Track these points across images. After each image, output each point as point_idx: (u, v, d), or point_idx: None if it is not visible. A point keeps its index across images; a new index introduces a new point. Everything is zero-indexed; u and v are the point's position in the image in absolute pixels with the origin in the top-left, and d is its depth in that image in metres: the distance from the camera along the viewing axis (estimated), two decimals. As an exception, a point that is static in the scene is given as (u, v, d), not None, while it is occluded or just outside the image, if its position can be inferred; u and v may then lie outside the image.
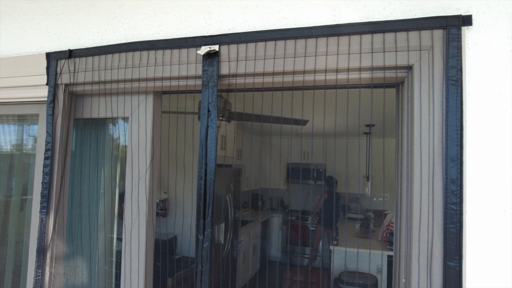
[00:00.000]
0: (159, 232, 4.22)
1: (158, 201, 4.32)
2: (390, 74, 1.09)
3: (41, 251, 1.42)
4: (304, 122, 3.41)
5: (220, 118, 3.32)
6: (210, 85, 1.22)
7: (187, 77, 1.27)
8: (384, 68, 1.08)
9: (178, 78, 1.28)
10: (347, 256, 4.94)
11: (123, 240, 1.41)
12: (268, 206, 7.47)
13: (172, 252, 4.17)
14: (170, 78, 1.30)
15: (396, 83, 1.16)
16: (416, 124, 1.04)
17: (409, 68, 1.06)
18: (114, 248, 1.59)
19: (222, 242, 4.53)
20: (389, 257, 4.68)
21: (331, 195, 5.68)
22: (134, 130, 1.41)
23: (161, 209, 4.37)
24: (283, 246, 6.88)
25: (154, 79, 1.31)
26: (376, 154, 6.24)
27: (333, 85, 1.18)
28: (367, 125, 5.54)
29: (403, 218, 1.09)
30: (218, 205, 4.11)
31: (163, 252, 3.91)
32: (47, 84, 1.49)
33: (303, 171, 7.36)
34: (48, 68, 1.50)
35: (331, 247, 4.97)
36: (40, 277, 1.40)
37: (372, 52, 1.07)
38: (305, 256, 6.72)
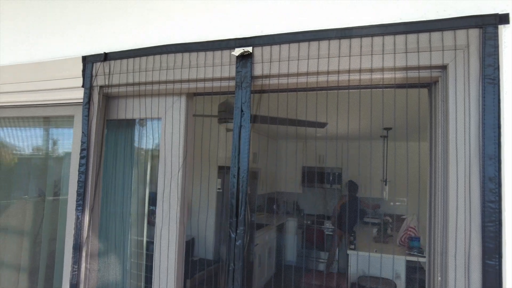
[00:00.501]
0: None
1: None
2: (424, 74, 1.10)
3: (77, 247, 1.47)
4: (323, 125, 3.42)
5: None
6: (244, 85, 1.25)
7: (220, 79, 1.31)
8: (418, 68, 1.09)
9: (212, 79, 1.32)
10: (364, 260, 4.88)
11: (155, 237, 1.45)
12: (283, 209, 7.46)
13: (190, 253, 4.21)
14: (204, 80, 1.33)
15: (429, 83, 1.17)
16: (452, 124, 1.04)
17: (444, 67, 1.07)
18: (144, 245, 1.63)
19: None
20: (408, 262, 4.62)
21: (351, 199, 5.64)
22: (168, 130, 1.45)
23: (179, 211, 4.43)
24: (298, 250, 6.85)
25: (188, 80, 1.35)
26: (393, 157, 6.17)
27: (367, 85, 1.20)
28: (385, 128, 5.51)
29: (438, 217, 1.09)
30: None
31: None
32: (82, 86, 1.55)
33: (319, 175, 7.33)
34: (84, 70, 1.55)
35: (348, 252, 4.93)
36: (76, 272, 1.45)
37: (406, 52, 1.08)
38: (321, 260, 6.67)
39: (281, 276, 6.12)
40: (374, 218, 6.47)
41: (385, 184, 5.82)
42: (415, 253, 4.52)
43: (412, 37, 1.08)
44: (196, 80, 1.34)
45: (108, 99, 1.58)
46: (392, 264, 4.67)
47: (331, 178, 7.11)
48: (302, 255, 6.78)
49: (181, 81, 1.37)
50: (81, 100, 1.56)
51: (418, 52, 1.07)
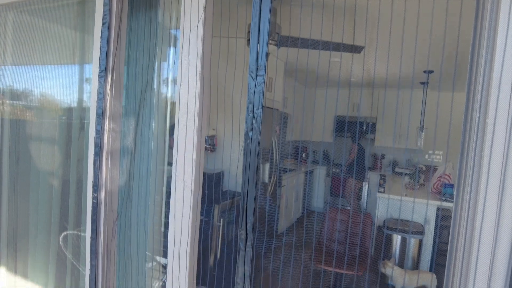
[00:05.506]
0: (207, 167, 4.38)
1: (206, 137, 4.45)
2: None
3: (100, 113, 1.50)
4: (360, 49, 3.22)
5: (270, 41, 3.24)
6: None
7: None
8: None
9: None
10: (393, 204, 4.80)
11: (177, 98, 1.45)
12: (313, 157, 7.43)
13: (219, 184, 4.32)
14: None
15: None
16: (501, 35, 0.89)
17: None
18: (168, 113, 1.65)
19: (267, 181, 4.62)
20: (439, 209, 4.48)
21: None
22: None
23: (209, 145, 4.51)
24: (326, 197, 6.86)
25: None
26: (432, 105, 5.82)
27: None
28: (425, 72, 5.16)
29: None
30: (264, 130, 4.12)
31: (210, 184, 4.06)
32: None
33: (351, 124, 7.13)
34: None
35: (377, 195, 4.85)
36: (99, 135, 1.50)
37: None
38: (347, 208, 6.66)
39: (305, 220, 6.20)
40: (407, 169, 6.27)
41: (421, 131, 5.54)
42: (448, 199, 4.37)
43: None
44: None
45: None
46: (422, 209, 4.55)
47: (364, 128, 6.91)
48: (328, 202, 6.81)
49: None
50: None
51: None
